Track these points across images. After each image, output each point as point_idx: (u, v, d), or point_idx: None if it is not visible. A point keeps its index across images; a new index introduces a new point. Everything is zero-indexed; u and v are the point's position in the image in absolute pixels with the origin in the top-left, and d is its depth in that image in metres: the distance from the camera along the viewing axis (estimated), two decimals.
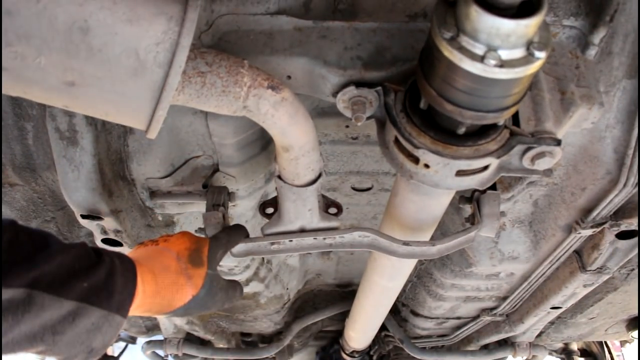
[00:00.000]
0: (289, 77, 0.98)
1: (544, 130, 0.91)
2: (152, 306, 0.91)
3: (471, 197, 1.21)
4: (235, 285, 1.10)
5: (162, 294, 0.91)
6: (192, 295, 0.95)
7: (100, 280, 0.78)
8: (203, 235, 1.12)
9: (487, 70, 0.68)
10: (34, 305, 0.68)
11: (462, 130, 0.84)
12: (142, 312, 0.91)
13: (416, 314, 2.51)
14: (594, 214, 1.32)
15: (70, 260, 0.75)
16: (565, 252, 1.57)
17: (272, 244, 1.16)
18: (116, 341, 3.19)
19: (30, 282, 0.68)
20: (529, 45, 0.68)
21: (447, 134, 0.86)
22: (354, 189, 1.65)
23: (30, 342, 0.70)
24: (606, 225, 1.35)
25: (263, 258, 1.91)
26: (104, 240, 1.35)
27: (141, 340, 3.03)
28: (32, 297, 0.68)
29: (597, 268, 1.55)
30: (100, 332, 0.77)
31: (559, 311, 2.03)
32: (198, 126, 1.20)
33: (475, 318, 2.41)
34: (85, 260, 0.78)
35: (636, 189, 1.17)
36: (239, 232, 1.15)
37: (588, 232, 1.40)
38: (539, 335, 2.49)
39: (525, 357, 2.79)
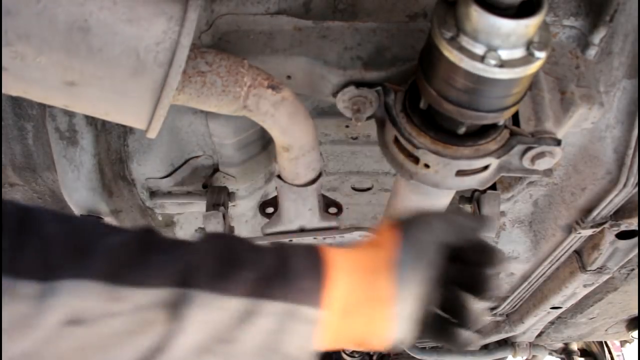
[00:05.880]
0: (289, 77, 0.98)
1: (544, 130, 0.91)
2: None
3: (471, 197, 1.21)
4: None
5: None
6: None
7: (269, 267, 0.58)
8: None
9: (487, 70, 0.68)
10: (191, 307, 0.52)
11: (462, 130, 0.84)
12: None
13: None
14: (594, 214, 1.32)
15: (221, 248, 0.58)
16: (565, 252, 1.57)
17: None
18: None
19: (179, 278, 0.53)
20: (529, 45, 0.68)
21: (447, 134, 0.86)
22: (354, 189, 1.65)
23: (197, 357, 0.54)
24: (606, 225, 1.35)
25: None
26: None
27: None
28: (189, 298, 0.52)
29: (597, 268, 1.55)
30: (290, 331, 0.56)
31: (559, 311, 2.03)
32: (198, 126, 1.20)
33: None
34: (240, 245, 0.60)
35: (636, 189, 1.17)
36: None
37: (588, 232, 1.40)
38: (539, 335, 2.49)
39: (525, 357, 2.79)
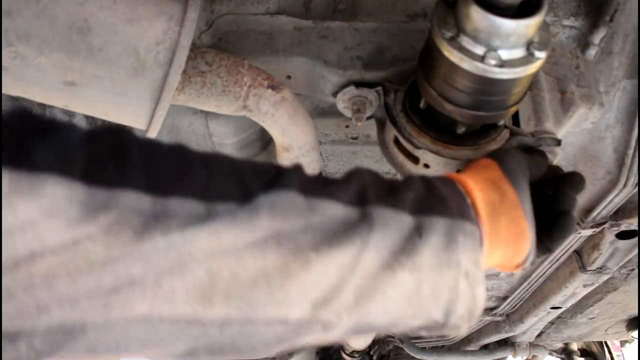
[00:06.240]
0: (289, 77, 0.98)
1: (544, 130, 0.91)
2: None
3: None
4: None
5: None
6: None
7: (422, 189, 0.60)
8: None
9: (487, 70, 0.68)
10: (376, 223, 0.52)
11: (461, 130, 0.84)
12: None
13: None
14: (594, 214, 1.32)
15: (376, 175, 0.61)
16: (565, 252, 1.57)
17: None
18: None
19: (357, 197, 0.54)
20: (529, 45, 0.68)
21: (447, 133, 0.86)
22: None
23: (384, 271, 0.52)
24: (606, 225, 1.35)
25: None
26: None
27: None
28: (370, 213, 0.53)
29: (597, 268, 1.55)
30: (458, 245, 0.57)
31: (559, 311, 2.03)
32: (198, 126, 1.20)
33: None
34: (381, 179, 0.62)
35: (636, 189, 1.17)
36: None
37: (588, 232, 1.40)
38: (539, 335, 2.50)
39: (525, 357, 2.79)
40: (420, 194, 0.59)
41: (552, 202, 0.74)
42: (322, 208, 0.51)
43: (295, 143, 0.93)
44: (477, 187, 0.64)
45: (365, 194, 0.55)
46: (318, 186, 0.53)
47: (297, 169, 0.55)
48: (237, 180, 0.49)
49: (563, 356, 3.16)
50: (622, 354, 5.37)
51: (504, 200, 0.65)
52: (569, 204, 0.74)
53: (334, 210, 0.51)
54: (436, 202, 0.59)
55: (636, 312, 2.16)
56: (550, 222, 0.73)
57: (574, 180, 0.77)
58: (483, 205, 0.63)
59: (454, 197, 0.61)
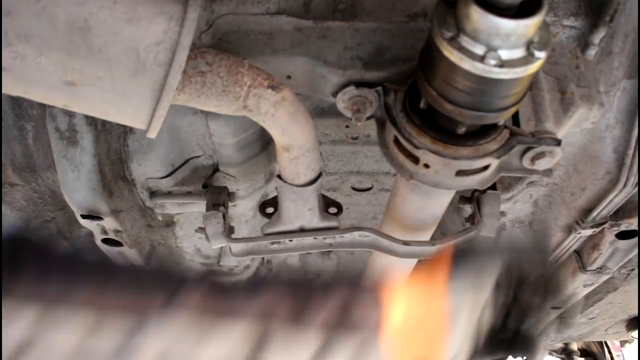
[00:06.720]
0: (289, 77, 0.98)
1: (544, 130, 0.91)
2: None
3: (471, 197, 1.20)
4: None
5: None
6: None
7: (339, 304, 0.62)
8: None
9: (487, 70, 0.69)
10: (273, 343, 0.56)
11: (462, 130, 0.84)
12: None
13: None
14: (594, 214, 1.32)
15: (294, 283, 0.64)
16: (565, 252, 1.57)
17: (272, 243, 1.16)
18: None
19: (261, 312, 0.57)
20: (529, 45, 0.68)
21: (447, 134, 0.86)
22: (354, 189, 1.65)
23: None
24: (606, 225, 1.35)
25: (263, 258, 1.92)
26: (104, 241, 1.35)
27: None
28: (269, 334, 0.56)
29: (597, 268, 1.55)
30: None
31: (559, 311, 2.03)
32: (198, 126, 1.20)
33: None
34: (312, 280, 0.66)
35: (636, 189, 1.17)
36: None
37: (588, 232, 1.40)
38: None
39: (525, 357, 2.79)
40: (334, 311, 0.60)
41: (532, 326, 0.72)
42: (217, 329, 0.54)
43: (295, 143, 0.93)
44: (406, 298, 0.64)
45: (269, 312, 0.57)
46: (221, 302, 0.56)
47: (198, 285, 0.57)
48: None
49: (563, 356, 3.16)
50: (622, 354, 5.37)
51: (428, 317, 0.64)
52: (545, 335, 0.73)
53: (228, 333, 0.55)
54: (350, 320, 0.60)
55: (636, 312, 2.16)
56: (516, 340, 0.72)
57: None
58: (404, 320, 0.63)
59: (371, 315, 0.61)
